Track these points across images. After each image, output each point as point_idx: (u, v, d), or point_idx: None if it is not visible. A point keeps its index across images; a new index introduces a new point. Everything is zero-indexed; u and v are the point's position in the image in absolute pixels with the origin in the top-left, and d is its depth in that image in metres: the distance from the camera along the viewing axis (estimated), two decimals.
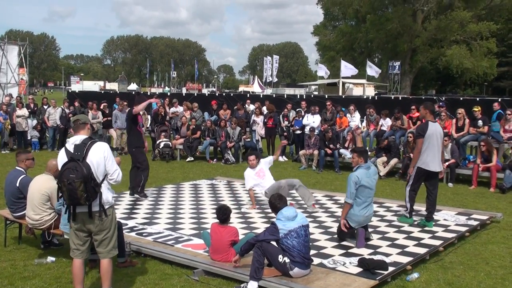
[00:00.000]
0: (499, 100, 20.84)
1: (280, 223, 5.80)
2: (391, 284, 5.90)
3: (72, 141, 5.05)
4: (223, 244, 6.22)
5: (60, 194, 4.97)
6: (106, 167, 5.04)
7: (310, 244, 6.08)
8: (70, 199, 4.87)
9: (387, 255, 6.63)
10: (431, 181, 8.54)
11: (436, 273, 6.31)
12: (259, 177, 9.26)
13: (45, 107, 18.77)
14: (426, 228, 8.06)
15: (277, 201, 6.07)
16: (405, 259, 6.47)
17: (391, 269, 6.06)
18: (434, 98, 24.32)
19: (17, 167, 7.21)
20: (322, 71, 54.88)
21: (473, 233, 8.10)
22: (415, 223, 8.40)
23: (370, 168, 7.24)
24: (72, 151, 4.96)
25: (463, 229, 8.06)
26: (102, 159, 5.00)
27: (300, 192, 9.23)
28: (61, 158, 5.06)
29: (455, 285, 5.91)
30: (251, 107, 19.98)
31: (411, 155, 9.14)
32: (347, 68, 48.07)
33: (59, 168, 5.00)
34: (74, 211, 4.99)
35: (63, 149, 5.12)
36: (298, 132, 16.39)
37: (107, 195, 5.09)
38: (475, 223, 8.46)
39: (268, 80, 57.97)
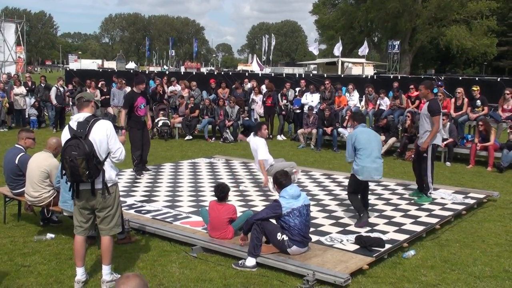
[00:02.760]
0: (498, 79, 20.83)
1: (284, 200, 5.82)
2: (388, 261, 5.95)
3: (76, 119, 5.03)
4: (221, 222, 6.26)
5: (63, 171, 4.98)
6: (109, 145, 5.02)
7: None
8: (72, 176, 4.87)
9: (384, 232, 6.68)
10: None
11: (432, 250, 6.36)
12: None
13: (43, 85, 18.75)
14: (423, 207, 8.11)
15: (282, 178, 6.03)
16: (401, 237, 6.53)
17: (387, 246, 6.11)
18: (433, 77, 24.24)
19: (16, 145, 7.20)
20: (316, 50, 55.02)
21: (470, 212, 8.15)
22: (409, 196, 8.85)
23: (365, 127, 7.56)
24: (75, 128, 4.95)
25: (460, 207, 8.11)
26: (104, 137, 4.98)
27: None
28: (64, 135, 5.05)
29: (451, 262, 5.96)
30: (249, 85, 19.90)
31: (421, 134, 8.91)
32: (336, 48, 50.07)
33: (63, 145, 4.99)
34: (78, 188, 5.00)
35: (66, 126, 5.12)
36: (297, 111, 16.37)
37: (110, 173, 5.08)
38: (472, 201, 8.51)
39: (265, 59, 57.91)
